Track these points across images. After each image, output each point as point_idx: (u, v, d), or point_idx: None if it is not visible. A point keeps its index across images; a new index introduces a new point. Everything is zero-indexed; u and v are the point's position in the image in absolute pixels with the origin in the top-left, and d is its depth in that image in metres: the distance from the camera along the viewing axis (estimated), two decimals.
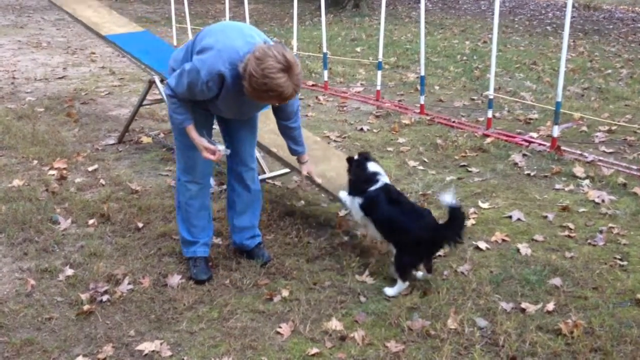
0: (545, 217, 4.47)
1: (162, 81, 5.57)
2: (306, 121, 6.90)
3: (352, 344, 3.10)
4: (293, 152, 3.83)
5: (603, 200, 4.70)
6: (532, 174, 5.25)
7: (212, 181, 4.87)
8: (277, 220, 4.42)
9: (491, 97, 6.43)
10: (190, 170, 3.62)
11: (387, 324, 3.26)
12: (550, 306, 3.36)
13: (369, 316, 3.33)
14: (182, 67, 3.22)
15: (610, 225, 4.32)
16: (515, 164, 5.46)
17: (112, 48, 6.56)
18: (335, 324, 3.23)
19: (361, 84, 8.75)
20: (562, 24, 5.81)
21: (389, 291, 3.55)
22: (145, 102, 5.98)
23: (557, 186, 5.00)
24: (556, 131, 5.75)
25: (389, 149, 5.93)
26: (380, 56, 7.84)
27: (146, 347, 3.07)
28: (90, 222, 4.41)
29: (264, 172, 5.06)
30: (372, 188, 3.71)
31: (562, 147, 5.75)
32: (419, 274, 3.67)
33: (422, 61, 7.13)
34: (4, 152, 5.82)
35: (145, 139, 6.22)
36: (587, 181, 5.04)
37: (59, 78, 9.15)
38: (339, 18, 15.86)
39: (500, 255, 3.97)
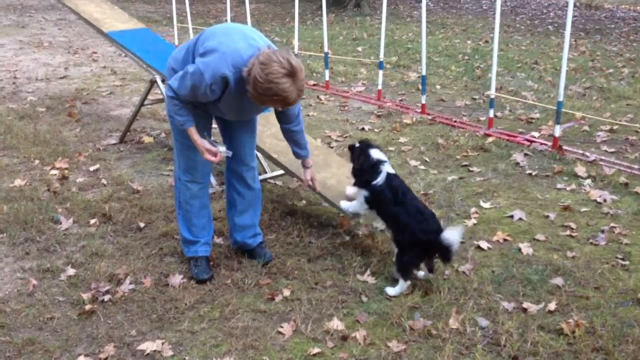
0: (547, 216, 4.46)
1: (163, 81, 5.57)
2: (308, 121, 6.90)
3: (354, 344, 3.10)
4: (297, 155, 3.84)
5: (605, 200, 4.70)
6: (533, 173, 5.25)
7: (213, 181, 4.88)
8: (278, 219, 4.42)
9: (493, 96, 6.42)
10: (191, 170, 3.62)
11: (388, 324, 3.26)
12: (552, 306, 3.36)
13: (371, 316, 3.33)
14: (185, 69, 3.21)
15: (611, 224, 4.31)
16: (517, 163, 5.46)
17: (114, 47, 6.55)
18: (336, 324, 3.23)
19: (362, 84, 8.74)
20: (564, 23, 5.81)
21: (391, 291, 3.56)
22: (146, 102, 5.98)
23: (559, 186, 4.99)
24: (558, 130, 5.74)
25: (391, 148, 5.93)
26: (381, 56, 7.84)
27: (148, 346, 3.08)
28: (92, 221, 4.42)
29: (265, 172, 5.06)
30: (378, 182, 3.70)
31: (564, 147, 5.75)
32: (421, 273, 3.68)
33: (424, 61, 7.12)
34: (6, 152, 5.83)
35: (147, 139, 6.23)
36: (588, 181, 5.04)
37: (61, 78, 9.15)
38: (340, 17, 15.86)
39: (501, 254, 3.96)
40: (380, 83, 7.81)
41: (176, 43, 10.69)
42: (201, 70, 3.12)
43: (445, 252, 3.43)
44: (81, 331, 3.23)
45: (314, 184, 3.96)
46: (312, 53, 10.46)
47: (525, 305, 3.38)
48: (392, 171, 3.77)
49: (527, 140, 6.05)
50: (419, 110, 7.13)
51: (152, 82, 5.70)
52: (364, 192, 3.77)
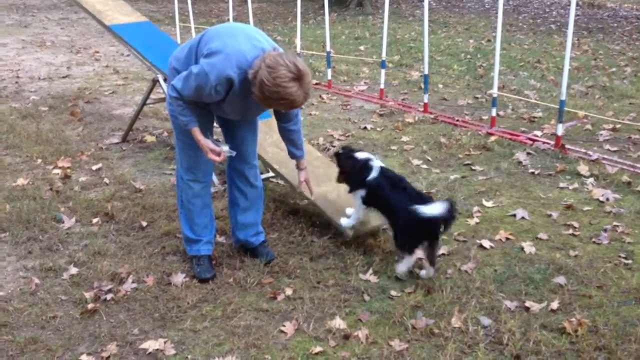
0: (550, 215, 4.46)
1: (165, 80, 5.57)
2: (310, 120, 6.90)
3: (356, 343, 3.10)
4: (292, 155, 3.82)
5: (607, 199, 4.69)
6: (536, 172, 5.24)
7: (215, 180, 4.88)
8: (280, 219, 4.42)
9: (495, 95, 6.41)
10: (193, 169, 3.62)
11: (391, 323, 3.26)
12: (555, 305, 3.36)
13: (373, 315, 3.33)
14: (189, 70, 3.20)
15: (614, 223, 4.31)
16: (520, 162, 5.45)
17: (116, 45, 6.52)
18: (339, 323, 3.23)
19: (365, 83, 8.74)
20: (566, 22, 5.81)
21: (400, 267, 3.63)
22: (149, 101, 5.97)
23: (561, 184, 4.99)
24: (560, 129, 5.74)
25: (393, 147, 5.93)
26: (383, 55, 7.83)
27: (150, 345, 3.08)
28: (94, 220, 4.42)
29: (267, 171, 5.06)
30: (373, 176, 3.78)
31: (566, 146, 5.74)
32: (423, 272, 3.67)
33: (426, 60, 7.12)
34: (9, 151, 5.83)
35: (149, 138, 6.23)
36: (591, 179, 5.03)
37: (63, 77, 9.16)
38: (342, 17, 15.85)
39: (504, 253, 3.96)
40: (383, 82, 7.80)
41: (178, 42, 10.69)
42: (206, 71, 3.11)
43: (446, 223, 3.53)
44: (84, 330, 3.23)
45: (308, 185, 3.95)
46: (314, 52, 10.46)
47: (527, 304, 3.38)
48: (382, 164, 3.87)
49: (530, 139, 6.04)
50: (422, 109, 7.13)
51: (155, 81, 5.70)
52: (361, 192, 3.83)
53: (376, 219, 4.02)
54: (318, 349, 3.04)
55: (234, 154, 3.52)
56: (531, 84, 8.39)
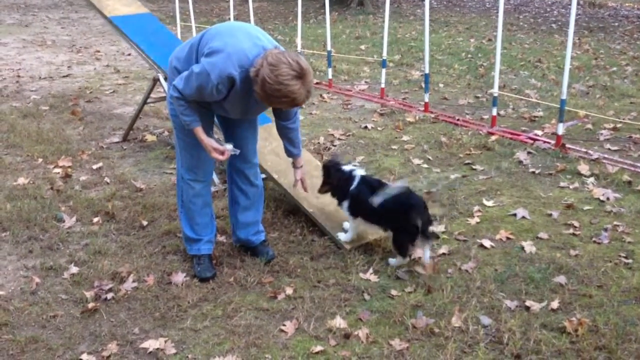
0: (550, 215, 4.46)
1: (166, 79, 5.56)
2: (310, 119, 6.90)
3: (356, 342, 3.10)
4: (289, 153, 3.82)
5: (608, 198, 4.69)
6: (536, 171, 5.24)
7: (216, 179, 4.88)
8: (281, 218, 4.42)
9: (496, 94, 6.41)
10: (193, 169, 3.62)
11: (391, 322, 3.26)
12: (555, 304, 3.36)
13: (373, 314, 3.33)
14: (191, 69, 3.20)
15: (615, 223, 4.30)
16: (520, 161, 5.45)
17: (116, 36, 6.44)
18: (339, 322, 3.23)
19: (365, 82, 8.74)
20: (567, 21, 5.80)
21: (393, 261, 3.76)
22: (149, 100, 5.98)
23: (562, 184, 4.99)
24: (561, 129, 5.73)
25: (393, 146, 5.93)
26: (384, 54, 7.83)
27: (150, 344, 3.08)
28: (95, 220, 4.43)
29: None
30: (352, 187, 3.89)
31: (567, 145, 5.74)
32: (426, 255, 3.75)
33: (427, 59, 7.11)
34: (9, 151, 5.84)
35: (150, 137, 6.24)
36: (592, 179, 5.03)
37: (64, 76, 9.17)
38: (343, 16, 15.85)
39: (504, 253, 3.96)
40: (383, 81, 7.80)
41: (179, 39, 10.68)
42: (207, 70, 3.11)
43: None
44: (84, 329, 3.23)
45: (304, 184, 3.95)
46: (315, 51, 10.46)
47: (528, 303, 3.38)
48: (364, 173, 3.98)
49: (530, 138, 6.04)
50: (422, 109, 7.12)
51: (155, 80, 5.70)
52: (346, 203, 3.93)
53: (373, 233, 4.08)
54: (318, 348, 3.04)
55: (237, 152, 3.52)
56: (532, 84, 8.38)
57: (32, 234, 4.22)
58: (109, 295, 3.49)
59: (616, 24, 14.58)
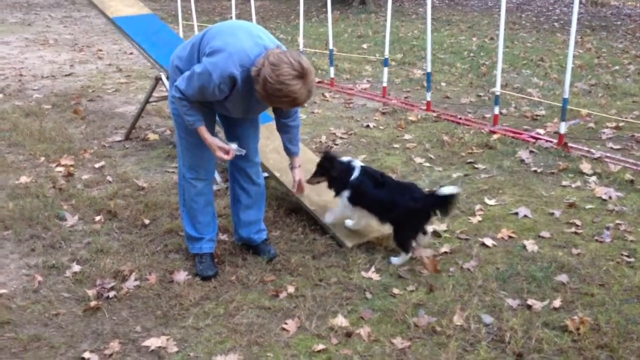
0: (552, 213, 4.45)
1: (168, 78, 5.56)
2: (312, 118, 6.90)
3: (358, 341, 3.10)
4: (288, 151, 3.80)
5: (610, 197, 4.68)
6: (538, 170, 5.23)
7: (218, 178, 4.88)
8: (283, 216, 4.43)
9: (498, 93, 6.41)
10: (195, 167, 3.63)
11: (393, 321, 3.26)
12: (557, 303, 3.36)
13: (375, 313, 3.34)
14: (192, 69, 3.20)
15: (617, 221, 4.30)
16: (522, 160, 5.45)
17: (118, 44, 6.45)
18: (341, 321, 3.23)
19: (367, 81, 8.74)
20: (570, 20, 5.79)
21: (395, 260, 3.76)
22: (151, 99, 5.98)
23: (564, 183, 4.98)
24: (563, 128, 5.73)
25: (395, 145, 5.93)
26: (386, 53, 7.82)
27: (152, 342, 3.09)
28: (97, 218, 4.43)
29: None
30: (353, 177, 3.90)
31: (569, 144, 5.73)
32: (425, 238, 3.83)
33: (429, 58, 7.11)
34: (12, 149, 5.85)
35: (152, 136, 6.24)
36: (594, 178, 5.03)
37: (66, 75, 9.18)
38: (345, 15, 15.84)
39: (506, 251, 3.96)
40: (385, 80, 7.80)
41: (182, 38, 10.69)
42: (209, 70, 3.11)
43: (443, 207, 3.71)
44: (86, 327, 3.24)
45: (300, 185, 3.93)
46: (317, 50, 10.46)
47: (529, 302, 3.38)
48: (363, 164, 3.99)
49: (533, 137, 6.03)
50: (424, 108, 7.12)
51: (157, 80, 5.70)
52: (346, 193, 3.93)
53: (374, 231, 4.10)
54: (320, 346, 3.05)
55: (243, 152, 3.51)
56: (534, 82, 8.38)
57: (34, 233, 4.22)
58: (111, 294, 3.50)
59: (619, 22, 14.56)
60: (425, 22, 7.12)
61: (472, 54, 10.49)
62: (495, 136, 6.03)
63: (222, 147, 3.38)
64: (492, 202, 4.66)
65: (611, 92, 7.82)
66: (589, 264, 3.78)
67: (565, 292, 3.48)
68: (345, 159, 4.02)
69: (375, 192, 3.84)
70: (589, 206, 4.56)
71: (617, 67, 9.31)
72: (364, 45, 11.28)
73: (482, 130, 6.26)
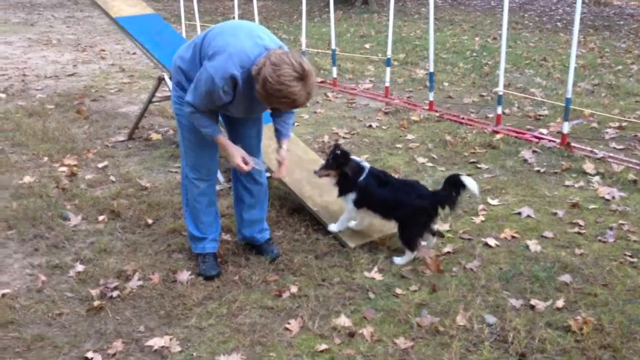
0: (555, 213, 4.45)
1: (171, 78, 5.56)
2: (315, 118, 6.90)
3: (361, 340, 3.11)
4: (278, 133, 3.64)
5: (613, 197, 4.68)
6: (541, 170, 5.23)
7: (221, 178, 4.88)
8: (285, 216, 4.43)
9: (501, 93, 6.40)
10: (198, 168, 3.63)
11: (396, 321, 3.26)
12: (560, 303, 3.35)
13: (378, 312, 3.34)
14: (196, 77, 3.22)
15: (620, 222, 4.30)
16: (525, 160, 5.44)
17: (121, 36, 6.42)
18: (344, 320, 3.23)
19: (370, 81, 8.73)
20: (572, 20, 5.79)
21: (398, 260, 3.75)
22: (154, 99, 5.99)
23: (567, 183, 4.98)
24: (566, 127, 5.72)
25: (398, 145, 5.93)
26: (389, 53, 7.82)
27: (156, 342, 3.09)
28: (100, 218, 4.44)
29: (272, 170, 5.06)
30: (361, 178, 3.87)
31: (572, 144, 5.72)
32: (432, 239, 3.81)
33: (431, 57, 7.11)
34: (15, 149, 5.86)
35: (155, 136, 6.25)
36: (597, 178, 5.02)
37: (69, 75, 9.19)
38: (347, 14, 15.84)
39: (509, 251, 3.96)
40: (388, 80, 7.79)
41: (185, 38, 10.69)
42: (211, 74, 3.12)
43: (451, 203, 3.72)
44: (90, 327, 3.25)
45: (281, 167, 3.65)
46: (319, 50, 10.46)
47: (533, 302, 3.38)
48: (368, 165, 3.98)
49: (535, 137, 6.03)
50: (427, 107, 7.12)
51: (160, 80, 5.70)
52: (352, 196, 3.90)
53: (376, 232, 4.10)
54: (323, 346, 3.05)
55: (263, 167, 3.50)
56: (537, 82, 8.37)
57: (37, 232, 4.23)
58: (115, 293, 3.50)
59: (621, 22, 14.53)
60: (428, 22, 7.12)
61: (474, 54, 10.48)
62: (498, 136, 6.03)
63: (244, 156, 3.38)
64: (495, 202, 4.66)
65: (614, 92, 7.81)
66: (592, 264, 3.77)
67: (569, 292, 3.48)
68: (356, 158, 3.99)
69: (381, 192, 3.84)
70: (592, 206, 4.56)
71: (620, 67, 9.30)
72: (367, 45, 11.27)
73: (485, 130, 6.25)
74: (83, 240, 4.16)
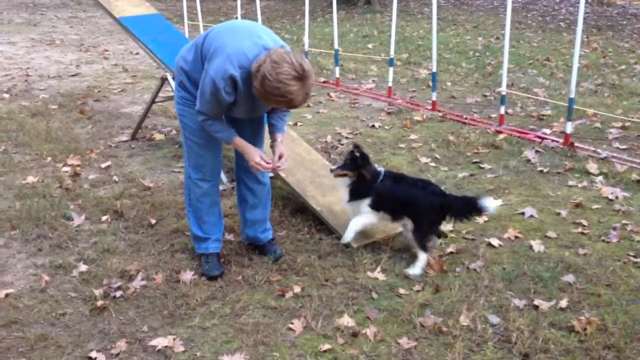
0: (558, 213, 4.44)
1: (174, 78, 5.57)
2: (318, 118, 6.91)
3: (364, 340, 3.10)
4: (272, 128, 3.61)
5: (616, 197, 4.67)
6: (545, 170, 5.22)
7: (224, 178, 4.89)
8: (289, 216, 4.43)
9: (504, 93, 6.40)
10: (201, 168, 3.63)
11: (399, 321, 3.26)
12: (563, 303, 3.35)
13: (381, 312, 3.34)
14: (201, 83, 3.22)
15: (623, 221, 4.29)
16: (528, 160, 5.44)
17: (124, 36, 6.43)
18: (347, 320, 3.23)
19: (373, 81, 8.73)
20: (576, 19, 5.78)
21: (414, 270, 3.69)
22: (157, 99, 5.99)
23: (570, 183, 4.97)
24: (569, 127, 5.72)
25: (401, 145, 5.92)
26: (392, 53, 7.82)
27: (159, 342, 3.09)
28: (104, 218, 4.44)
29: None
30: (380, 180, 3.85)
31: (575, 144, 5.72)
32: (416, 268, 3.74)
33: (434, 57, 7.10)
34: (18, 149, 5.86)
35: (158, 136, 6.25)
36: (600, 178, 5.01)
37: (72, 75, 9.20)
38: (350, 14, 15.84)
39: (512, 252, 3.95)
40: (391, 80, 7.79)
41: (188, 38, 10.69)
42: (212, 77, 3.12)
43: (458, 213, 3.74)
44: (93, 327, 3.25)
45: (280, 161, 3.54)
46: (322, 50, 10.46)
47: (536, 302, 3.37)
48: (382, 168, 3.96)
49: (539, 137, 6.02)
50: (430, 107, 7.11)
51: (163, 80, 5.71)
52: (368, 201, 3.84)
53: (379, 232, 4.10)
54: (326, 346, 3.05)
55: (286, 164, 3.53)
56: (540, 82, 8.36)
57: (41, 232, 4.24)
58: (118, 293, 3.51)
59: (625, 22, 14.51)
60: (431, 22, 7.11)
61: (477, 54, 10.47)
62: (501, 136, 6.02)
63: (262, 155, 3.40)
64: (498, 202, 4.64)
65: (617, 92, 7.80)
66: (595, 264, 3.77)
67: (572, 292, 3.48)
68: (373, 163, 3.94)
69: (397, 190, 3.82)
70: (595, 206, 4.55)
71: (623, 67, 9.29)
72: (370, 45, 11.27)
73: (488, 130, 6.25)
74: (86, 240, 4.16)
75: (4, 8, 16.83)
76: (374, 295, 3.49)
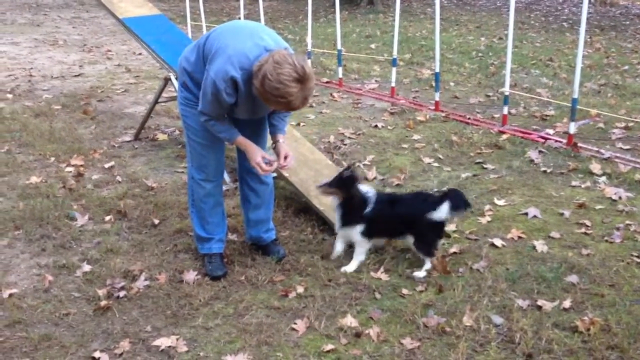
0: (562, 214, 4.44)
1: (177, 78, 5.57)
2: (321, 118, 6.91)
3: (367, 341, 3.10)
4: (273, 128, 3.61)
5: (620, 197, 4.67)
6: (548, 170, 5.22)
7: (227, 178, 4.89)
8: (292, 217, 4.43)
9: (507, 93, 6.39)
10: (204, 168, 3.63)
11: (402, 321, 3.26)
12: (567, 303, 3.35)
13: (384, 313, 3.33)
14: (203, 84, 3.23)
15: (627, 222, 4.28)
16: (531, 160, 5.43)
17: (128, 36, 6.44)
18: (350, 321, 3.23)
19: (376, 81, 8.73)
20: (579, 20, 5.77)
21: (419, 274, 3.68)
22: (160, 100, 6.00)
23: (574, 183, 4.96)
24: (572, 128, 5.71)
25: (404, 145, 5.92)
26: (394, 53, 7.82)
27: (162, 342, 3.10)
28: (107, 218, 4.45)
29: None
30: (368, 209, 3.70)
31: (579, 144, 5.71)
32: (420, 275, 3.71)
33: (437, 58, 7.10)
34: (22, 150, 5.87)
35: (161, 136, 6.26)
36: (603, 178, 5.01)
37: (76, 76, 9.21)
38: (353, 15, 15.84)
39: (516, 252, 3.95)
40: (394, 80, 7.79)
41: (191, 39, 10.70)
42: (213, 78, 3.13)
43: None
44: (97, 327, 3.25)
45: (287, 160, 3.52)
46: (325, 50, 10.46)
47: (539, 302, 3.37)
48: (373, 190, 3.81)
49: (542, 137, 6.01)
50: (433, 107, 7.11)
51: (166, 80, 5.71)
52: (359, 228, 3.73)
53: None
54: (329, 346, 3.05)
55: (274, 175, 3.52)
56: (543, 82, 8.35)
57: (44, 232, 4.24)
58: (121, 293, 3.51)
59: (627, 22, 14.49)
60: (434, 22, 7.11)
61: (480, 54, 10.47)
62: (504, 136, 6.02)
63: (264, 155, 3.40)
64: (501, 202, 4.65)
65: (620, 92, 7.79)
66: (599, 264, 3.76)
67: (576, 292, 3.47)
68: (363, 187, 3.76)
69: (391, 215, 3.72)
70: (598, 206, 4.54)
71: (626, 67, 9.27)
72: (372, 45, 11.27)
73: (491, 130, 6.24)
74: (90, 240, 4.17)
75: (7, 8, 16.87)
76: (377, 296, 3.49)
